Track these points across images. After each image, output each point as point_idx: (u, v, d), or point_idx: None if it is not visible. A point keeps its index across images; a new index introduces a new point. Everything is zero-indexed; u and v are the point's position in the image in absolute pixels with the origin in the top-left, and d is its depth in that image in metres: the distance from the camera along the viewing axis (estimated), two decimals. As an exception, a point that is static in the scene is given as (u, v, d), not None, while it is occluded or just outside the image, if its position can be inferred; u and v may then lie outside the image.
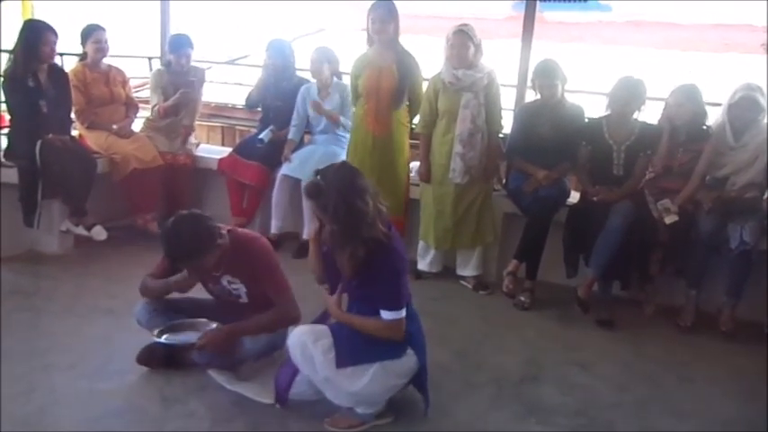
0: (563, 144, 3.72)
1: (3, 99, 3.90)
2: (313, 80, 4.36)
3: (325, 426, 2.41)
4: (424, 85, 3.96)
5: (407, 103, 3.98)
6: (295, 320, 2.69)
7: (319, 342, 2.29)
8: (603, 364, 3.05)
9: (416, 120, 4.05)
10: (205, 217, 2.55)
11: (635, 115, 3.58)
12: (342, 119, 4.23)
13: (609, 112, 3.62)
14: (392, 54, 3.87)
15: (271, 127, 4.41)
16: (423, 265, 3.99)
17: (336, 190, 2.20)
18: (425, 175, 3.88)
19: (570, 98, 3.85)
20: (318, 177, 2.25)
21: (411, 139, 4.09)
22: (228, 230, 2.64)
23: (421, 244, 3.99)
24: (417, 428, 2.44)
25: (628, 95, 3.51)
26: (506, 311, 3.61)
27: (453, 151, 3.72)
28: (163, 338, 2.55)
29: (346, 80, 4.28)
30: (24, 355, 2.79)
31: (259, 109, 4.65)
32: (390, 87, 3.85)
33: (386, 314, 2.29)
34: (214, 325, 2.63)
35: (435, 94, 3.77)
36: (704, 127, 3.58)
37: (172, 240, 2.48)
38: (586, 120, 3.77)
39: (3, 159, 3.85)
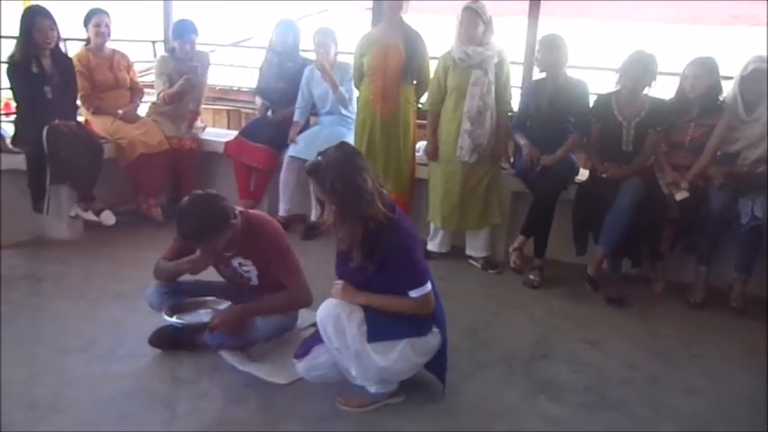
0: (566, 120, 3.70)
1: (9, 86, 3.88)
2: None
3: (336, 405, 2.42)
4: (431, 64, 3.92)
5: (414, 82, 3.95)
6: (306, 303, 2.70)
7: (352, 315, 2.27)
8: (614, 341, 3.05)
9: (424, 98, 4.02)
10: (220, 197, 2.54)
11: (645, 91, 3.53)
12: (341, 89, 4.19)
13: (619, 88, 3.57)
14: (399, 32, 3.84)
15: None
16: (432, 245, 3.98)
17: (334, 166, 2.20)
18: (433, 153, 3.86)
19: (578, 74, 3.81)
20: (319, 157, 2.26)
21: (418, 118, 4.07)
22: (241, 212, 2.64)
23: (430, 225, 3.97)
24: (428, 407, 2.45)
25: (639, 70, 3.46)
26: (515, 290, 3.61)
27: (461, 128, 3.68)
28: (174, 318, 2.56)
29: (342, 59, 4.28)
30: (37, 339, 2.81)
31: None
32: (397, 66, 3.82)
33: (413, 293, 2.29)
34: (225, 305, 2.64)
35: (445, 72, 3.73)
36: (718, 101, 3.52)
37: (187, 219, 2.48)
38: (595, 96, 3.73)
39: (11, 146, 3.85)
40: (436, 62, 3.85)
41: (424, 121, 4.00)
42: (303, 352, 2.46)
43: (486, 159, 3.76)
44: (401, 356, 2.31)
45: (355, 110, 4.29)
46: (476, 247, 3.94)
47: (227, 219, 2.50)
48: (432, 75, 3.86)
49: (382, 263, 2.26)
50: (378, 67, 3.85)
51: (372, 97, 3.90)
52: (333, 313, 2.28)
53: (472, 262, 3.95)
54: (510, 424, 2.39)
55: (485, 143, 3.71)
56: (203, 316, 2.60)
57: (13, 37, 3.81)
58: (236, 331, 2.60)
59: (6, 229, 3.84)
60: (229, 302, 2.67)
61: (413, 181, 4.08)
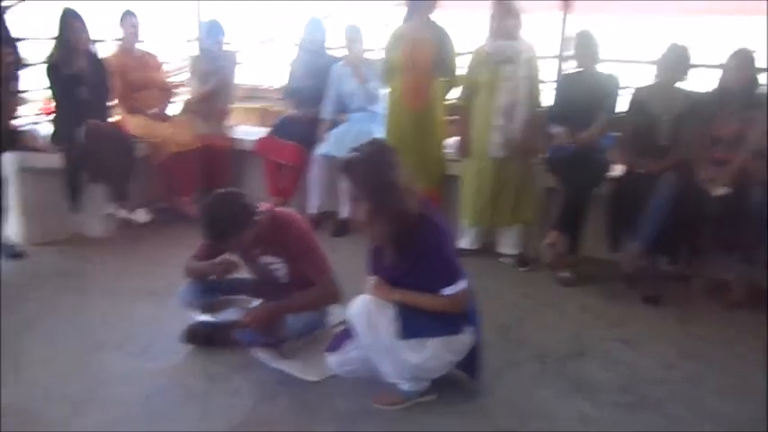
0: (598, 114, 3.63)
1: (48, 86, 3.96)
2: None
3: (371, 403, 2.40)
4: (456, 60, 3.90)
5: (443, 78, 3.92)
6: (335, 300, 2.69)
7: (385, 311, 2.26)
8: (650, 340, 2.98)
9: (453, 94, 3.98)
10: (241, 194, 2.55)
11: (681, 83, 3.44)
12: (369, 85, 4.20)
13: (655, 81, 3.48)
14: (427, 27, 3.81)
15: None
16: (463, 242, 3.93)
17: (365, 162, 2.19)
18: (465, 148, 3.82)
19: (615, 68, 3.77)
20: (352, 153, 2.25)
21: (448, 114, 4.04)
22: (267, 209, 2.64)
23: (461, 222, 3.94)
24: (460, 406, 2.42)
25: (676, 63, 3.38)
26: (548, 287, 3.55)
27: (493, 124, 3.64)
28: (205, 316, 2.58)
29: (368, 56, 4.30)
30: (72, 336, 2.87)
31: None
32: (427, 61, 3.80)
33: (447, 290, 2.27)
34: (256, 302, 2.65)
35: (477, 67, 3.70)
36: (759, 93, 3.40)
37: (208, 219, 2.49)
38: (629, 90, 3.65)
39: (48, 145, 3.93)
40: (463, 57, 3.83)
41: (455, 117, 3.96)
42: (335, 346, 2.45)
43: (517, 155, 3.71)
44: (434, 354, 2.29)
45: (384, 106, 4.27)
46: (507, 245, 3.90)
47: (248, 217, 2.50)
48: (461, 70, 3.83)
49: (415, 260, 2.24)
50: (408, 63, 3.82)
51: (403, 93, 3.87)
52: (365, 309, 2.26)
53: (503, 260, 3.90)
54: (544, 424, 2.36)
55: (516, 138, 3.66)
56: (234, 314, 2.61)
57: (52, 38, 3.89)
58: (268, 329, 2.61)
59: (43, 227, 3.94)
60: (261, 300, 2.68)
61: (443, 177, 4.05)
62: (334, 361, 2.45)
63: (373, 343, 2.28)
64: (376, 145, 2.31)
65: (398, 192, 2.19)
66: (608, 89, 3.65)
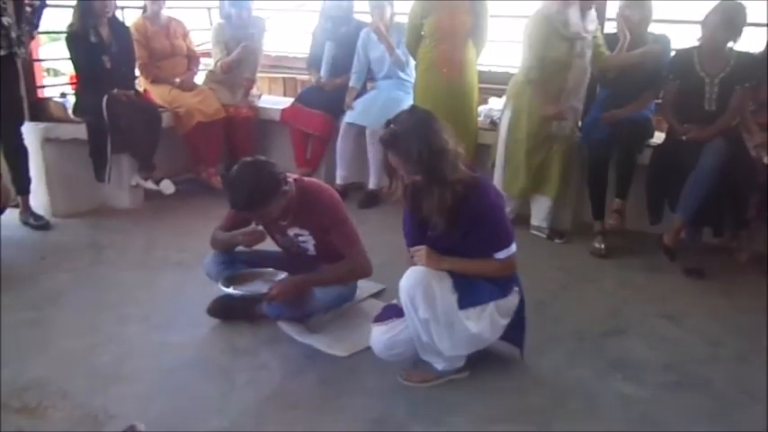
0: (648, 78, 3.45)
1: (69, 56, 3.90)
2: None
3: (398, 379, 2.33)
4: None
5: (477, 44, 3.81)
6: (366, 273, 2.61)
7: (443, 282, 2.16)
8: (694, 316, 2.83)
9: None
10: (268, 163, 2.45)
11: (731, 44, 3.22)
12: (398, 52, 4.05)
13: (701, 42, 3.26)
14: None
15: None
16: None
17: (416, 133, 2.05)
18: (559, 113, 3.50)
19: (659, 28, 3.55)
20: (392, 126, 2.10)
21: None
22: (295, 180, 2.55)
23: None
24: (494, 384, 2.32)
25: (724, 22, 3.14)
26: (584, 261, 3.42)
27: (565, 105, 3.47)
28: (230, 289, 2.51)
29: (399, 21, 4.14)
30: (99, 308, 2.83)
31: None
32: (466, 27, 3.68)
33: (500, 254, 2.18)
34: (282, 275, 2.57)
35: (542, 38, 3.39)
36: None
37: (235, 188, 2.40)
38: (674, 51, 3.44)
39: (72, 116, 3.88)
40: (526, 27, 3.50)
41: (484, 85, 3.87)
42: (382, 317, 2.34)
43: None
44: (490, 320, 2.22)
45: (413, 73, 4.13)
46: (541, 217, 3.75)
47: (277, 186, 2.41)
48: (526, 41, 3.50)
49: (470, 226, 2.13)
50: (446, 30, 3.68)
51: (438, 61, 3.73)
52: (423, 281, 2.13)
53: (535, 232, 3.76)
54: (582, 403, 2.24)
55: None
56: (261, 286, 2.54)
57: (71, 6, 3.81)
58: (295, 302, 2.53)
59: (70, 199, 3.92)
60: (287, 273, 2.59)
61: (476, 147, 3.91)
62: (379, 345, 2.32)
63: (431, 317, 2.16)
64: (418, 113, 2.17)
65: (452, 157, 2.08)
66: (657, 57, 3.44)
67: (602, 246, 3.47)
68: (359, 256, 2.57)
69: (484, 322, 2.21)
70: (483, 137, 3.94)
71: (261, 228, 2.59)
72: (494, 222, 2.17)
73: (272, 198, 2.41)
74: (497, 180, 3.69)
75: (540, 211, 3.76)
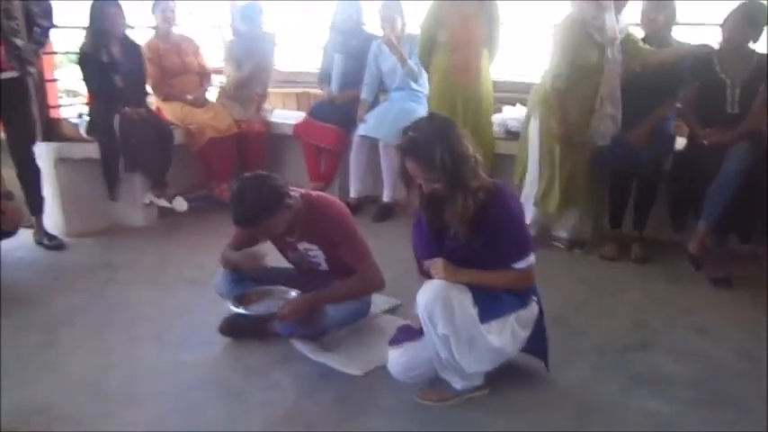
0: (668, 84, 3.35)
1: (81, 76, 3.91)
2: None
3: (415, 398, 2.25)
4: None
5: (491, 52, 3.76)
6: (378, 287, 2.55)
7: (462, 295, 2.08)
8: (723, 328, 2.72)
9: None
10: (270, 177, 2.39)
11: (752, 45, 3.13)
12: (410, 62, 4.00)
13: (722, 44, 3.17)
14: (474, 1, 3.60)
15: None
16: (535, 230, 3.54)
17: (437, 139, 1.99)
18: (567, 136, 3.38)
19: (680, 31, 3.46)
20: (410, 133, 2.04)
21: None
22: (302, 194, 2.50)
23: (532, 210, 3.55)
24: (516, 400, 2.24)
25: (746, 22, 3.06)
26: (606, 272, 3.32)
27: (601, 113, 3.33)
28: (240, 309, 2.45)
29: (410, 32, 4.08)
30: (112, 328, 2.80)
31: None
32: (481, 36, 3.62)
33: (519, 264, 2.12)
34: (294, 293, 2.52)
35: (573, 44, 3.28)
36: None
37: (236, 204, 2.34)
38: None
39: (85, 135, 3.89)
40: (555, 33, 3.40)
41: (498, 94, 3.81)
42: (398, 339, 2.26)
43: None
44: (512, 333, 2.15)
45: (425, 84, 4.08)
46: (565, 227, 3.62)
47: (279, 200, 2.35)
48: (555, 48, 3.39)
49: (491, 235, 2.07)
50: (460, 39, 3.62)
51: (453, 71, 3.67)
52: (442, 295, 2.05)
53: (555, 243, 3.65)
54: (607, 421, 2.14)
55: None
56: (272, 305, 2.48)
57: (83, 27, 3.82)
58: (307, 320, 2.47)
59: (82, 218, 3.91)
60: (298, 291, 2.54)
61: (493, 157, 3.81)
62: (397, 367, 2.25)
63: (451, 332, 2.07)
64: (438, 119, 2.13)
65: (472, 164, 2.03)
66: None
67: (612, 251, 3.44)
68: (369, 270, 2.51)
69: (506, 335, 2.14)
70: (498, 146, 3.86)
71: (258, 250, 2.54)
72: (514, 231, 2.11)
73: (274, 212, 2.35)
74: (528, 195, 3.55)
75: (565, 221, 3.62)
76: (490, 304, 2.10)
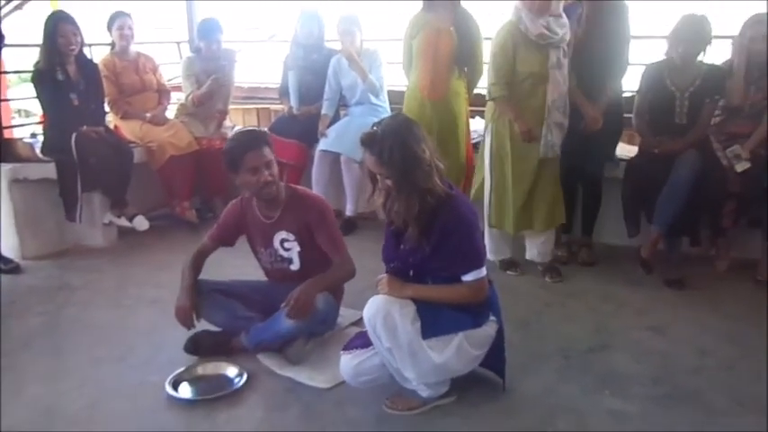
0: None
1: (35, 94, 3.84)
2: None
3: (383, 408, 2.26)
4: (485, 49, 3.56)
5: (465, 70, 3.69)
6: (352, 274, 2.61)
7: (404, 310, 2.10)
8: (678, 326, 2.82)
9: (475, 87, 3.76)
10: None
11: (700, 57, 3.24)
12: (371, 77, 4.03)
13: (670, 56, 3.29)
14: (451, 15, 3.57)
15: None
16: (492, 255, 3.41)
17: (392, 134, 2.05)
18: (528, 132, 3.19)
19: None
20: (374, 127, 2.11)
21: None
22: (287, 186, 2.63)
23: (492, 232, 3.45)
24: (483, 407, 2.27)
25: (692, 35, 3.16)
26: (566, 278, 3.39)
27: (548, 121, 3.16)
28: (177, 393, 2.40)
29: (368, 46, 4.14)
30: (73, 351, 2.74)
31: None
32: (448, 51, 3.54)
33: (467, 276, 2.13)
34: (232, 368, 2.50)
35: (514, 50, 3.13)
36: None
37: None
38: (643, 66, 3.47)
39: (40, 155, 3.81)
40: (492, 40, 3.27)
41: (478, 108, 3.73)
42: (350, 346, 2.29)
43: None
44: (458, 351, 2.15)
45: (386, 99, 4.12)
46: (540, 252, 3.43)
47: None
48: (490, 56, 3.28)
49: (440, 241, 2.09)
50: (427, 52, 3.58)
51: (421, 83, 3.63)
52: (382, 310, 2.09)
53: (539, 268, 3.46)
54: (573, 422, 2.19)
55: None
56: (214, 387, 2.43)
57: (36, 45, 3.76)
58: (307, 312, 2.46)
59: (40, 240, 3.83)
60: (256, 316, 2.60)
61: (470, 172, 3.78)
62: (348, 372, 2.28)
63: (393, 346, 2.12)
64: (401, 117, 2.20)
65: (426, 166, 2.06)
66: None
67: (564, 254, 3.53)
68: (347, 257, 2.60)
69: (449, 353, 2.14)
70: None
71: (189, 307, 2.56)
72: (465, 240, 2.11)
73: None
74: (485, 215, 3.41)
75: (537, 245, 3.44)
76: (433, 320, 2.12)
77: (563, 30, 3.13)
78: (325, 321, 2.60)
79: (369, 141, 2.08)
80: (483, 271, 2.14)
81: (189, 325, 2.57)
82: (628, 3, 3.36)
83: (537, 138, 3.21)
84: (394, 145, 2.03)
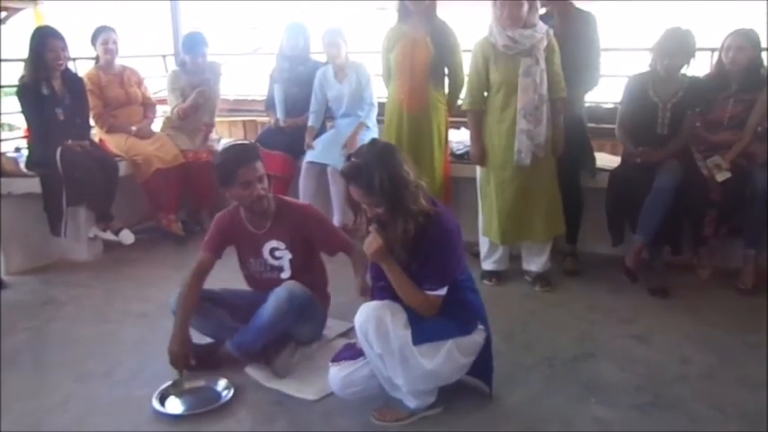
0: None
1: (20, 109, 3.82)
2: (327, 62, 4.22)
3: (371, 419, 2.28)
4: (465, 59, 3.59)
5: (444, 84, 3.71)
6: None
7: (396, 317, 2.12)
8: (662, 335, 2.86)
9: (458, 98, 3.74)
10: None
11: (683, 70, 3.30)
12: (356, 88, 4.08)
13: (654, 68, 3.34)
14: (427, 25, 3.57)
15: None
16: (488, 264, 3.50)
17: (377, 164, 2.05)
18: (480, 157, 3.34)
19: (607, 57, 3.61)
20: (353, 159, 2.11)
21: (454, 116, 3.84)
22: (275, 196, 2.65)
23: (484, 241, 3.50)
24: (470, 417, 2.29)
25: (676, 48, 3.22)
26: (551, 286, 3.42)
27: (517, 128, 3.16)
28: (166, 407, 2.40)
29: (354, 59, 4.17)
30: (59, 366, 2.72)
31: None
32: (425, 62, 3.55)
33: (432, 290, 2.15)
34: (219, 382, 2.50)
35: (485, 63, 3.21)
36: (760, 74, 3.30)
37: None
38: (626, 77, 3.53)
39: (25, 169, 3.79)
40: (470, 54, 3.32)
41: (462, 119, 3.72)
42: (339, 357, 2.31)
43: (543, 158, 3.25)
44: (448, 358, 2.17)
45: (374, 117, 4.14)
46: (537, 262, 3.43)
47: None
48: (466, 70, 3.40)
49: (425, 257, 2.13)
50: (404, 63, 3.59)
51: (399, 95, 3.65)
52: (375, 315, 2.11)
53: (528, 278, 3.48)
54: (558, 429, 2.22)
55: (543, 141, 3.21)
56: (210, 396, 2.44)
57: (21, 60, 3.75)
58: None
59: (25, 255, 3.81)
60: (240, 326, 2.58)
61: (448, 185, 3.84)
62: (337, 383, 2.29)
63: (384, 352, 2.12)
64: (379, 144, 2.17)
65: (413, 188, 2.09)
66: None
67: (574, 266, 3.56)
68: (358, 246, 2.45)
69: (439, 359, 2.16)
70: (461, 170, 3.84)
71: (188, 355, 2.53)
72: (445, 257, 2.14)
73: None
74: (480, 223, 3.48)
75: (535, 256, 3.45)
76: (423, 327, 2.15)
77: (533, 38, 3.11)
78: (303, 314, 2.55)
79: (353, 174, 2.09)
80: (443, 291, 2.16)
81: (182, 369, 2.52)
82: (597, 15, 3.46)
83: (497, 161, 3.30)
84: (383, 174, 2.03)
